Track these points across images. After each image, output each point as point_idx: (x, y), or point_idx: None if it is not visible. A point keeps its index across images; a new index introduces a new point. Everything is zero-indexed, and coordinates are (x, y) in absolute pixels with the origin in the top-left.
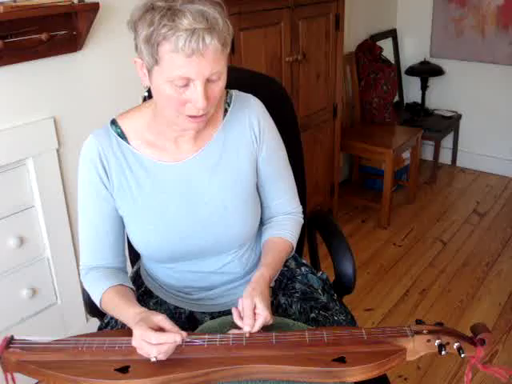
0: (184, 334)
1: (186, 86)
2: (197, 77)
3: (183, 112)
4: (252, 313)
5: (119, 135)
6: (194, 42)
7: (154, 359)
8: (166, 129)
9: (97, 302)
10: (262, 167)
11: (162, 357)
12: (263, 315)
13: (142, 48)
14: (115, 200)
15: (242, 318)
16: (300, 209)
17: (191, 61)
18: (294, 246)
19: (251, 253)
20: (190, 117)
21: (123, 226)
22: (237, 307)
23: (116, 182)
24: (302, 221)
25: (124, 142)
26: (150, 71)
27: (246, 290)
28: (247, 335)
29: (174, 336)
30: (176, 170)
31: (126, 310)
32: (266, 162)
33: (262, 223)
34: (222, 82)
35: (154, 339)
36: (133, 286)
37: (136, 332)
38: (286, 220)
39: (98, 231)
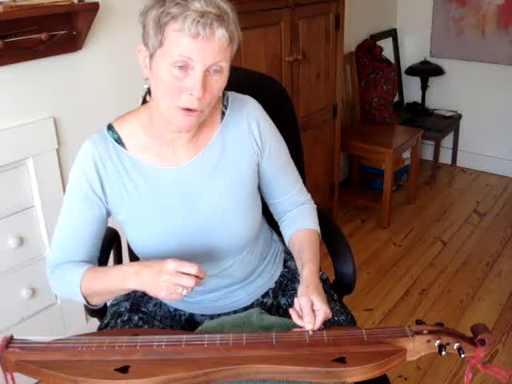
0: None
1: (186, 72)
2: (198, 60)
3: (178, 102)
4: (311, 310)
5: (116, 141)
6: (201, 25)
7: (185, 292)
8: (163, 131)
9: (76, 288)
10: (268, 166)
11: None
12: (322, 310)
13: (150, 29)
14: (113, 206)
15: (301, 317)
16: (310, 196)
17: (195, 43)
18: (320, 232)
19: (251, 256)
20: (184, 110)
21: (103, 233)
22: (293, 307)
23: (114, 188)
24: (315, 206)
25: (121, 148)
26: (152, 57)
27: (300, 289)
28: (310, 333)
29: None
30: (174, 174)
31: (115, 269)
32: (270, 161)
33: (273, 218)
34: (222, 80)
35: (195, 269)
36: None
37: (169, 265)
38: (303, 210)
39: (76, 233)
